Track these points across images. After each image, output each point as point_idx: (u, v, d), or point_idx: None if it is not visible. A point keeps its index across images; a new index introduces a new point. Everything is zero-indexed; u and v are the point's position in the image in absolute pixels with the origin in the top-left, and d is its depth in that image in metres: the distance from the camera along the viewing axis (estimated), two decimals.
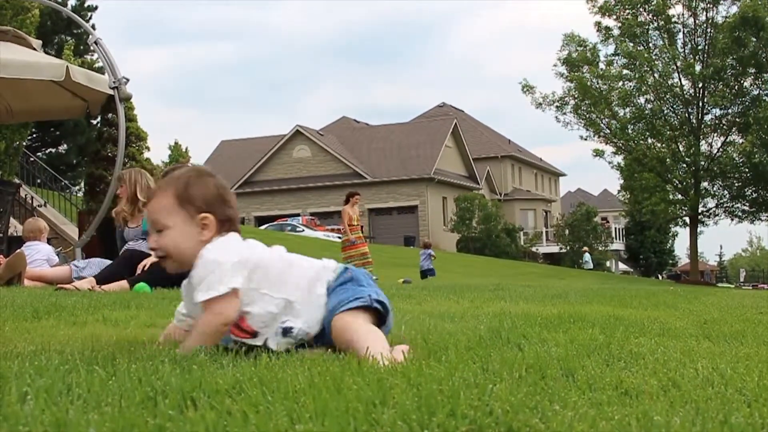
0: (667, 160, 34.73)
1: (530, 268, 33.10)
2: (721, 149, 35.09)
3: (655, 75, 34.41)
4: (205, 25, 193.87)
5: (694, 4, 34.27)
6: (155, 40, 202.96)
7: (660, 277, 53.14)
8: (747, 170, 34.21)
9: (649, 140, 35.37)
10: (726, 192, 36.04)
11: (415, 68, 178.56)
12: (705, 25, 34.58)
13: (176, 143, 50.96)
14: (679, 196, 35.96)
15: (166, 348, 2.09)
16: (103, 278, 5.68)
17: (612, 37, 35.33)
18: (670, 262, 60.79)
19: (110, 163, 14.80)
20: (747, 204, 35.89)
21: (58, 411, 1.30)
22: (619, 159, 36.82)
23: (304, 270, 2.23)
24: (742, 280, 66.92)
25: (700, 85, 34.34)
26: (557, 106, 35.91)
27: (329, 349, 2.07)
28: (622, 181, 38.79)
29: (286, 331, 2.12)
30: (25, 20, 16.62)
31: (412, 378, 1.60)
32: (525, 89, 36.19)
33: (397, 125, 52.78)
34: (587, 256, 39.33)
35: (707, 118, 35.07)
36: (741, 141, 34.56)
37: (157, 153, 66.48)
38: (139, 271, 5.68)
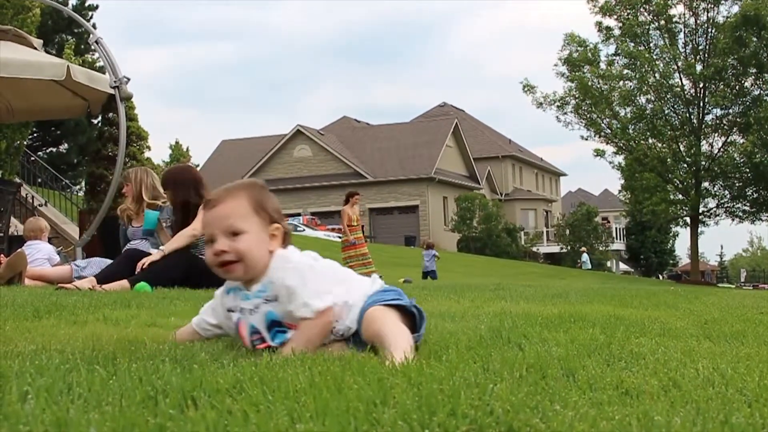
0: (668, 160, 34.72)
1: (531, 268, 33.11)
2: (721, 149, 35.09)
3: (656, 75, 34.40)
4: (206, 25, 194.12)
5: (695, 3, 34.26)
6: (156, 39, 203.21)
7: (661, 277, 53.16)
8: (748, 170, 34.20)
9: (650, 140, 35.36)
10: (727, 192, 36.02)
11: (416, 68, 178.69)
12: (706, 24, 34.58)
13: (177, 143, 50.95)
14: (680, 196, 35.95)
15: (166, 347, 2.09)
16: (103, 277, 5.68)
17: (613, 37, 35.34)
18: (671, 262, 60.83)
19: (111, 162, 14.83)
20: (748, 204, 35.87)
21: (59, 410, 1.30)
22: (619, 159, 36.86)
23: (359, 280, 2.33)
24: (742, 280, 66.91)
25: (701, 85, 34.33)
26: (558, 106, 35.91)
27: (350, 344, 2.11)
28: (622, 181, 38.77)
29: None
30: (26, 19, 16.64)
31: (412, 377, 1.60)
32: (526, 89, 36.19)
33: (398, 125, 52.79)
34: (585, 257, 39.32)
35: (708, 118, 35.08)
36: (742, 141, 34.54)
37: (157, 152, 66.58)
38: (138, 270, 5.68)
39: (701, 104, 34.53)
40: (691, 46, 35.09)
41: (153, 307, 3.71)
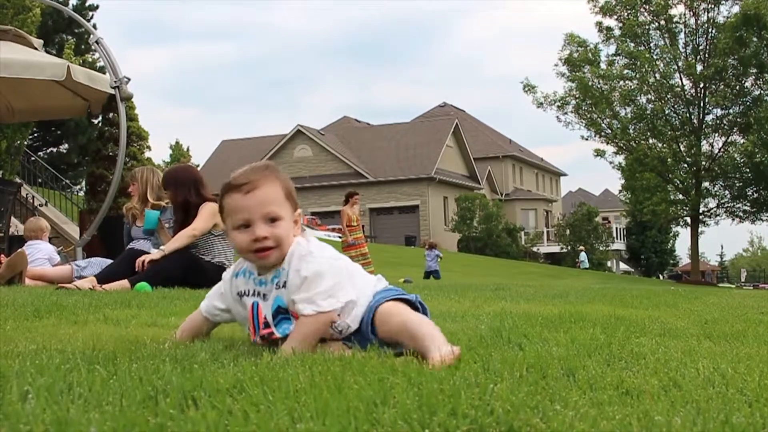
0: (669, 160, 34.73)
1: (531, 268, 33.11)
2: (722, 149, 35.11)
3: (656, 75, 34.43)
4: (206, 25, 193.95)
5: (695, 3, 34.27)
6: (156, 39, 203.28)
7: (661, 277, 53.20)
8: (748, 170, 34.22)
9: (651, 140, 35.39)
10: (727, 192, 36.05)
11: (416, 68, 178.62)
12: (706, 24, 34.60)
13: (177, 143, 51.01)
14: (680, 196, 35.98)
15: (166, 347, 2.09)
16: (104, 277, 5.68)
17: (613, 37, 35.36)
18: (671, 262, 60.83)
19: (111, 162, 14.82)
20: (748, 204, 35.89)
21: (59, 410, 1.30)
22: (620, 159, 36.91)
23: (366, 277, 2.30)
24: (743, 280, 66.92)
25: (701, 85, 34.36)
26: (558, 106, 35.95)
27: (349, 343, 2.11)
28: (623, 181, 38.80)
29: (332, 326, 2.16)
30: (26, 19, 16.66)
31: (412, 377, 1.60)
32: (526, 89, 36.22)
33: (398, 125, 52.79)
34: (583, 255, 39.28)
35: (708, 118, 35.10)
36: (742, 141, 34.56)
37: (158, 152, 66.57)
38: (137, 267, 5.68)
39: (701, 104, 34.55)
40: (691, 46, 35.11)
41: (153, 306, 3.71)
